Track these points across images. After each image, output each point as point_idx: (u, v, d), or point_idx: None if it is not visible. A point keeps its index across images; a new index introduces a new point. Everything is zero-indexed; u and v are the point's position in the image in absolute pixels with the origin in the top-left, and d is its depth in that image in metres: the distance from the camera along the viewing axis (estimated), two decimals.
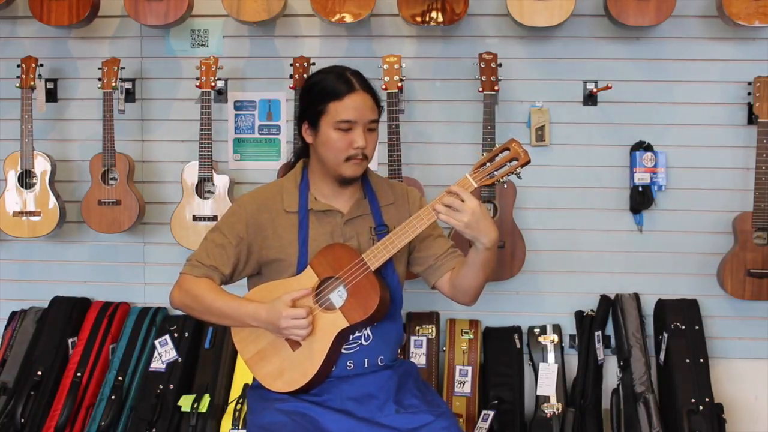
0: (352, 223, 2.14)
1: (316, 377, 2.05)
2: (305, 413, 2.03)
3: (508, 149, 1.99)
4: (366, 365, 2.11)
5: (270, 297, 2.05)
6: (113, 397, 3.22)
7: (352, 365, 2.10)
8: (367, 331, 2.10)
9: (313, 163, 2.16)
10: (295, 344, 2.06)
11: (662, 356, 3.29)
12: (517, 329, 3.41)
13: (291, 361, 2.07)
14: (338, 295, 2.05)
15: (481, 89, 3.17)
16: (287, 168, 2.28)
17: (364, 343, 2.10)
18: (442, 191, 1.99)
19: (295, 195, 2.14)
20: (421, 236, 2.09)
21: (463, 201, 1.93)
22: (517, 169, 1.99)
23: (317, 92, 2.06)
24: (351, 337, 2.08)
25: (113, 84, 3.32)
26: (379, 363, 2.13)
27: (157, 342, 3.34)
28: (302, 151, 2.23)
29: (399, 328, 2.22)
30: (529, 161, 1.98)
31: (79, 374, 3.30)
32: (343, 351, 2.08)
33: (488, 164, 1.99)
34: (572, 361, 3.38)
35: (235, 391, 3.18)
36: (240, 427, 2.97)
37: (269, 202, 2.14)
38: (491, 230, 1.97)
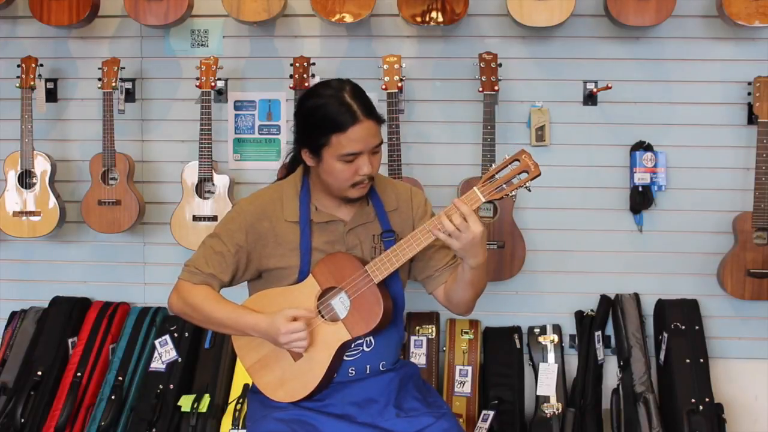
0: (354, 232, 2.10)
1: (318, 388, 2.04)
2: (305, 421, 2.02)
3: (518, 161, 1.91)
4: (368, 371, 2.10)
5: (271, 305, 2.03)
6: (113, 397, 3.22)
7: (353, 372, 2.09)
8: (369, 338, 2.08)
9: (314, 178, 2.09)
10: (296, 354, 2.04)
11: (662, 356, 3.29)
12: (517, 329, 3.41)
13: (292, 372, 2.05)
14: (342, 305, 2.02)
15: (481, 89, 3.17)
16: (286, 171, 2.21)
17: (366, 349, 2.08)
18: (451, 195, 1.96)
19: (296, 204, 2.09)
20: None
21: (468, 224, 1.88)
22: (527, 183, 1.92)
23: (317, 121, 1.96)
24: (353, 344, 2.06)
25: (113, 84, 3.32)
26: (381, 368, 2.12)
27: (157, 342, 3.34)
28: (297, 160, 2.16)
29: (401, 330, 2.21)
30: (539, 174, 1.91)
31: (79, 374, 3.30)
32: (345, 358, 2.07)
33: (497, 176, 1.92)
34: (572, 361, 3.38)
35: (235, 391, 3.18)
36: (240, 427, 2.97)
37: (269, 210, 2.09)
38: (481, 255, 1.95)
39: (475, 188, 1.93)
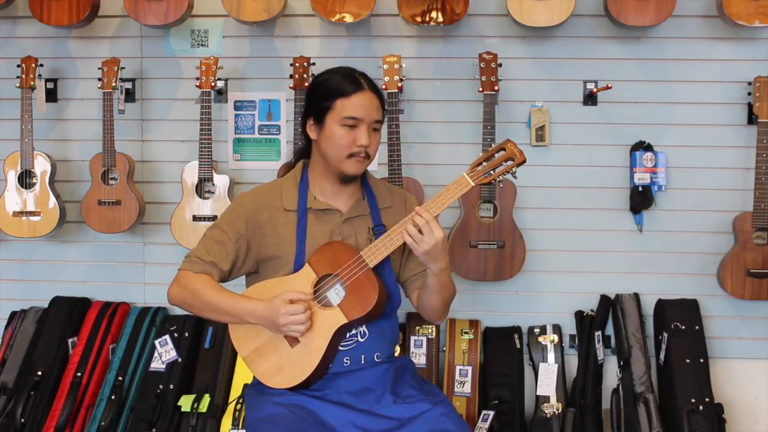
0: (350, 223, 2.15)
1: (315, 373, 2.06)
2: (304, 406, 2.04)
3: (504, 149, 2.03)
4: (362, 361, 2.12)
5: (268, 295, 2.06)
6: (113, 397, 3.22)
7: (348, 361, 2.11)
8: (363, 328, 2.11)
9: (314, 161, 2.18)
10: (293, 341, 2.06)
11: (662, 356, 3.29)
12: (517, 329, 3.41)
13: (289, 358, 2.07)
14: (336, 293, 2.06)
15: (481, 89, 3.17)
16: (287, 168, 2.29)
17: (360, 339, 2.11)
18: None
19: (295, 193, 2.15)
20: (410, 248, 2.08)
21: (431, 229, 1.97)
22: (513, 169, 2.03)
23: (324, 90, 2.10)
24: (347, 334, 2.09)
25: (113, 84, 3.32)
26: (376, 359, 2.15)
27: (157, 342, 3.34)
28: (303, 152, 2.25)
29: (394, 326, 2.23)
30: (524, 161, 2.03)
31: (79, 374, 3.30)
32: (339, 348, 2.09)
33: (485, 163, 2.03)
34: (572, 361, 3.38)
35: (235, 391, 3.18)
36: (240, 427, 2.97)
37: (268, 200, 2.15)
38: (442, 260, 2.03)
39: (464, 174, 2.03)
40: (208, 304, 2.09)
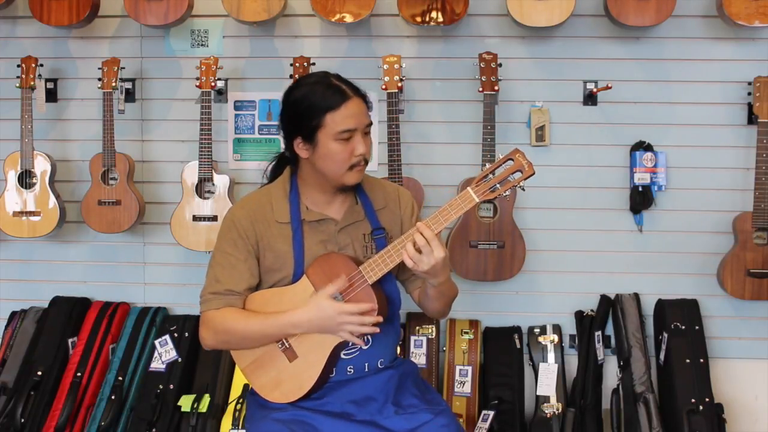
0: (346, 231, 2.11)
1: (314, 388, 2.04)
2: (304, 421, 2.02)
3: (512, 160, 1.93)
4: (366, 369, 2.11)
5: (265, 306, 2.04)
6: (113, 397, 3.22)
7: (352, 370, 2.09)
8: (366, 336, 2.08)
9: (304, 173, 2.11)
10: (292, 355, 2.04)
11: (662, 356, 3.29)
12: (517, 329, 3.42)
13: (288, 372, 2.05)
14: None
15: (481, 89, 3.17)
16: (273, 173, 2.22)
17: (364, 347, 2.09)
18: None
19: (285, 205, 2.10)
20: None
21: (431, 249, 1.92)
22: (521, 182, 1.94)
23: (309, 106, 1.99)
24: (350, 343, 2.05)
25: (113, 84, 3.32)
26: (379, 366, 2.13)
27: (157, 342, 3.34)
28: (282, 159, 2.18)
29: (397, 327, 2.21)
30: (533, 173, 1.93)
31: (79, 374, 3.30)
32: (342, 356, 2.07)
33: (491, 176, 1.94)
34: (572, 361, 3.38)
35: (235, 391, 3.18)
36: (240, 427, 2.97)
37: (259, 213, 2.10)
38: (442, 276, 2.00)
39: (468, 188, 1.95)
40: (247, 335, 2.03)
